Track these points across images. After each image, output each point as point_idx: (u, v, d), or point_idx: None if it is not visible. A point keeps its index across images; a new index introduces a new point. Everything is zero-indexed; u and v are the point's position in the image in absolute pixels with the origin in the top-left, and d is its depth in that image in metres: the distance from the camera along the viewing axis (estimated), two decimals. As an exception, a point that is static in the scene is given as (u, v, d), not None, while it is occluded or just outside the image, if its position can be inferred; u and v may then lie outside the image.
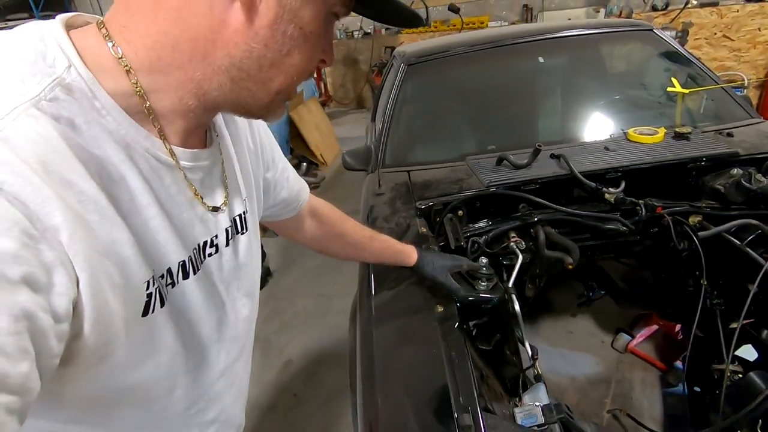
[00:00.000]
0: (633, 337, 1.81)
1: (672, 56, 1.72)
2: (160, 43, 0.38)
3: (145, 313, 0.41)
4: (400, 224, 1.20)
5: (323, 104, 6.32)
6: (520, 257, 1.18)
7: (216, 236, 0.51)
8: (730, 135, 1.36)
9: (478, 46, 1.77)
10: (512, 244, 1.22)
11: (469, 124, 1.68)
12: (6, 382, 0.28)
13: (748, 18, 4.36)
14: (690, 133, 1.33)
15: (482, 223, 1.27)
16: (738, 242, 1.13)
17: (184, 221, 0.46)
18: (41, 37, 0.36)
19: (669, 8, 4.68)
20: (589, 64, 1.76)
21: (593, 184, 1.20)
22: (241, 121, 0.59)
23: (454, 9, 5.61)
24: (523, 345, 1.12)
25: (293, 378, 1.94)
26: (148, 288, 0.41)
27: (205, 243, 0.50)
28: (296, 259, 2.90)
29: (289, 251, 2.96)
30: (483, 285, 0.99)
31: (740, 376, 1.15)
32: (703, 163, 1.22)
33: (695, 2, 4.55)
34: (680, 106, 1.55)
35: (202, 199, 0.48)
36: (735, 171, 1.18)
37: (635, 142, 1.36)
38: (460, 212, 1.26)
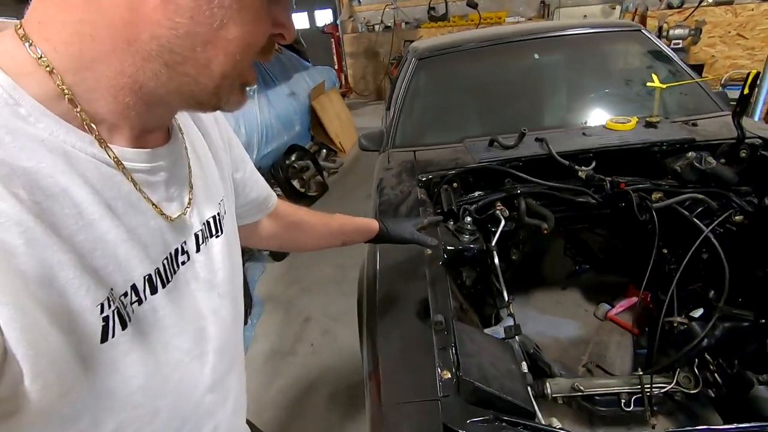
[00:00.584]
0: (613, 306, 2.03)
1: (657, 54, 1.91)
2: (77, 34, 0.34)
3: (103, 339, 0.37)
4: (404, 192, 1.45)
5: (343, 95, 6.58)
6: (503, 222, 1.42)
7: (185, 242, 0.48)
8: (694, 125, 1.56)
9: (482, 43, 2.00)
10: (497, 211, 1.46)
11: (470, 111, 1.92)
12: None
13: (763, 17, 4.42)
14: (658, 122, 1.54)
15: (473, 194, 1.51)
16: (687, 213, 1.34)
17: (149, 230, 0.42)
18: None
19: (684, 6, 4.76)
20: (581, 61, 1.96)
21: (567, 163, 1.43)
22: (207, 118, 0.57)
23: (472, 4, 5.79)
24: (501, 293, 1.36)
25: (311, 332, 2.23)
26: (102, 311, 0.36)
27: (176, 251, 0.46)
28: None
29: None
30: (466, 238, 1.24)
31: (684, 326, 1.37)
32: (663, 147, 1.43)
33: (710, 0, 4.62)
34: (658, 99, 1.75)
35: (164, 203, 0.45)
36: (690, 154, 1.39)
37: (611, 129, 1.57)
38: (455, 184, 1.51)
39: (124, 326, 0.39)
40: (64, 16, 0.34)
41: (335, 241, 0.90)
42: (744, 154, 1.42)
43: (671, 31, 4.53)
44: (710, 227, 1.27)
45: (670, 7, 4.86)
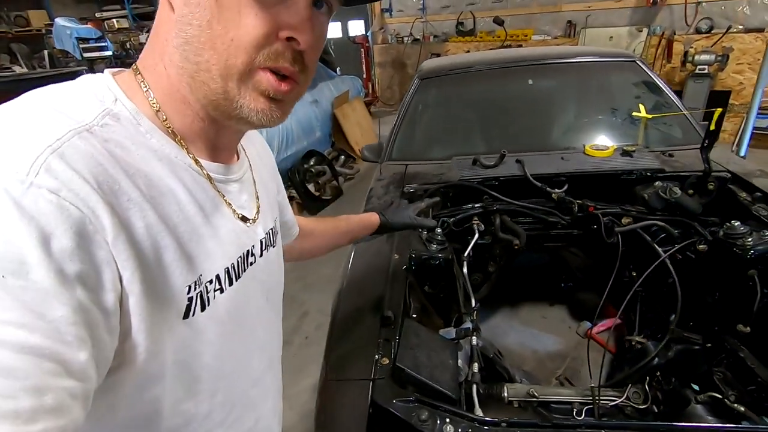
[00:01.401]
0: (594, 325, 2.09)
1: (650, 86, 1.99)
2: (155, 60, 0.44)
3: (186, 315, 0.43)
4: (387, 201, 1.59)
5: (369, 103, 6.78)
6: (477, 235, 1.54)
7: (253, 246, 0.55)
8: (671, 155, 1.64)
9: (482, 66, 2.13)
10: (474, 225, 1.58)
11: (463, 131, 2.05)
12: (68, 368, 0.32)
13: (795, 46, 4.33)
14: (634, 151, 1.62)
15: (453, 208, 1.64)
16: (648, 238, 1.43)
17: (228, 230, 0.49)
18: (94, 82, 0.42)
19: (713, 32, 4.71)
20: (574, 88, 2.06)
21: (539, 184, 1.54)
22: (260, 144, 0.66)
23: (498, 21, 5.90)
24: (469, 300, 1.47)
25: (307, 325, 2.40)
26: (189, 292, 0.43)
27: (247, 252, 0.53)
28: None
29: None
30: (434, 247, 1.38)
31: (640, 345, 1.45)
32: (633, 176, 1.52)
33: (740, 27, 4.56)
34: (643, 128, 1.83)
35: (238, 210, 0.52)
36: (657, 183, 1.48)
37: (589, 155, 1.67)
38: (437, 198, 1.64)
39: (203, 308, 0.45)
40: (152, 51, 0.44)
41: (344, 240, 1.01)
42: (712, 187, 1.49)
43: (696, 57, 4.50)
44: (668, 253, 1.35)
45: (698, 32, 4.81)
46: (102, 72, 0.44)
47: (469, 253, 1.51)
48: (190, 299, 0.43)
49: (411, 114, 2.10)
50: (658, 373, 1.37)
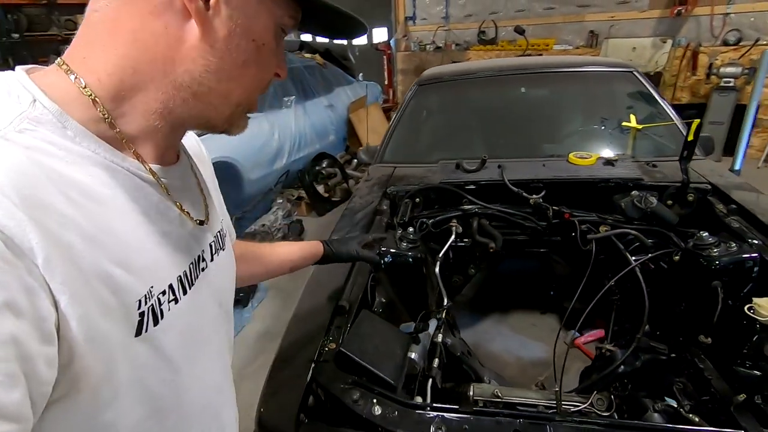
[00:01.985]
0: (582, 335, 2.08)
1: (645, 96, 1.98)
2: (120, 67, 0.40)
3: (138, 332, 0.40)
4: (370, 202, 1.66)
5: (389, 109, 6.88)
6: (453, 236, 1.58)
7: (203, 251, 0.53)
8: (654, 166, 1.63)
9: (480, 74, 2.17)
10: (452, 227, 1.62)
11: (453, 136, 2.09)
12: (2, 411, 0.29)
13: (828, 59, 4.13)
14: (617, 160, 1.63)
15: (433, 210, 1.69)
16: (621, 246, 1.43)
17: (178, 235, 0.47)
18: (3, 81, 0.38)
19: (741, 44, 4.56)
20: (567, 97, 2.07)
21: (516, 189, 1.57)
22: (192, 137, 0.62)
23: (519, 30, 5.89)
24: (441, 299, 1.51)
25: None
26: (139, 307, 0.40)
27: (198, 257, 0.51)
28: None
29: (327, 229, 3.53)
30: (404, 245, 1.43)
31: (609, 353, 1.45)
32: (610, 184, 1.53)
33: (770, 39, 4.40)
34: (632, 138, 1.83)
35: (188, 214, 0.49)
36: (634, 193, 1.48)
37: (571, 163, 1.68)
38: (417, 199, 1.69)
39: (156, 322, 0.42)
40: (108, 52, 0.40)
41: (284, 269, 0.93)
42: (691, 198, 1.48)
43: (722, 69, 4.37)
44: (637, 262, 1.35)
45: (725, 44, 4.67)
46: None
47: (445, 254, 1.55)
48: (142, 314, 0.40)
49: (406, 119, 2.17)
50: (625, 381, 1.37)
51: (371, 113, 5.47)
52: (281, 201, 3.54)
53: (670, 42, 4.90)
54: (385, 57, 7.51)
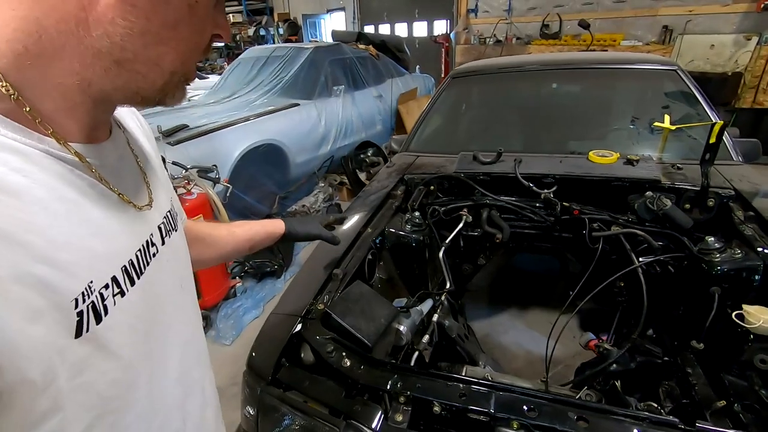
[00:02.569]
0: (598, 337, 2.04)
1: (686, 96, 1.89)
2: (21, 30, 0.34)
3: (78, 333, 0.36)
4: (386, 186, 1.75)
5: (442, 103, 6.88)
6: (461, 224, 1.64)
7: (152, 235, 0.48)
8: (678, 168, 1.58)
9: (514, 68, 2.18)
10: (462, 215, 1.68)
11: (479, 129, 2.12)
12: None
13: None
14: (638, 160, 1.59)
15: (446, 198, 1.75)
16: (628, 246, 1.42)
17: (118, 221, 0.43)
18: None
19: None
20: (600, 94, 2.01)
21: (526, 183, 1.59)
22: (131, 120, 0.55)
23: (584, 25, 5.63)
24: (445, 284, 1.58)
25: (325, 295, 2.64)
26: (76, 306, 0.36)
27: (146, 243, 0.47)
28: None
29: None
30: (408, 227, 1.51)
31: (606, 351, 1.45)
32: (624, 184, 1.50)
33: None
34: (664, 140, 1.77)
35: (125, 196, 0.44)
36: (648, 194, 1.45)
37: (591, 161, 1.67)
38: (432, 187, 1.77)
39: (99, 320, 0.38)
40: (5, 13, 0.33)
41: (243, 248, 0.90)
42: (711, 203, 1.43)
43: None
44: (640, 263, 1.34)
45: (822, 43, 4.17)
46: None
47: (452, 240, 1.61)
48: (80, 313, 0.36)
49: (436, 110, 2.23)
50: (617, 380, 1.37)
51: (422, 105, 5.52)
52: (323, 185, 3.74)
53: (755, 39, 4.46)
54: (443, 50, 7.48)
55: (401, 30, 8.76)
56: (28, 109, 0.36)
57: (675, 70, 1.95)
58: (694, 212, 1.47)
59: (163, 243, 0.51)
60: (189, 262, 0.61)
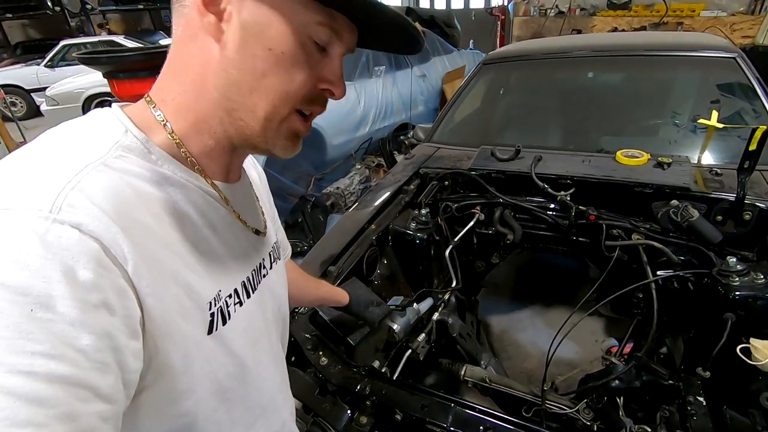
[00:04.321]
0: (619, 344, 1.94)
1: (744, 89, 1.68)
2: (180, 93, 0.45)
3: (209, 331, 0.46)
4: (400, 180, 1.75)
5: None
6: (472, 222, 1.61)
7: (264, 259, 0.58)
8: (717, 174, 1.42)
9: (547, 55, 2.04)
10: (474, 213, 1.65)
11: (504, 121, 2.02)
12: (98, 392, 0.34)
13: None
14: (670, 163, 1.46)
15: (460, 194, 1.72)
16: (645, 257, 1.33)
17: (241, 244, 0.53)
18: (104, 116, 0.45)
19: None
20: (642, 85, 1.82)
21: (541, 184, 1.52)
22: (250, 161, 0.66)
23: (657, -7, 5.05)
24: (453, 280, 1.57)
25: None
26: (210, 308, 0.46)
27: (259, 265, 0.57)
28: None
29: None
30: (413, 225, 1.51)
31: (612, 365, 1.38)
32: (647, 191, 1.39)
33: None
34: (708, 139, 1.59)
35: (247, 225, 0.55)
36: (673, 202, 1.34)
37: (618, 161, 1.55)
38: (446, 182, 1.74)
39: (224, 322, 0.47)
40: (173, 82, 0.46)
41: (312, 303, 1.06)
42: (748, 216, 1.29)
43: None
44: (654, 278, 1.26)
45: None
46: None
47: (462, 238, 1.59)
48: (212, 315, 0.46)
49: (463, 99, 2.16)
50: (620, 397, 1.32)
51: (469, 84, 5.33)
52: (359, 167, 3.77)
53: None
54: (499, 22, 7.08)
55: (457, 1, 8.39)
56: (183, 151, 0.46)
57: (734, 58, 1.72)
58: (728, 225, 1.33)
59: (271, 267, 0.61)
60: (286, 289, 0.70)
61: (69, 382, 0.33)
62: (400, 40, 0.51)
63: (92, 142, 0.41)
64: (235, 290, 0.50)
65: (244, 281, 0.52)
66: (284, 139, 0.49)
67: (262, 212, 0.62)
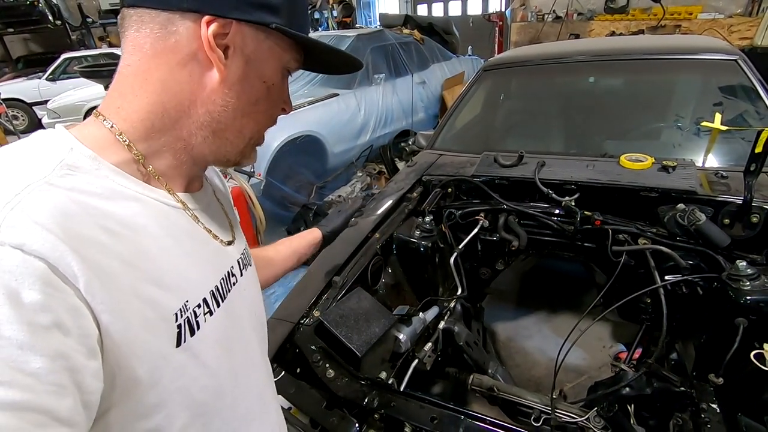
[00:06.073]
0: (627, 350, 1.91)
1: (747, 91, 1.67)
2: (151, 112, 0.46)
3: (178, 343, 0.45)
4: (403, 188, 1.74)
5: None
6: (476, 229, 1.60)
7: (232, 267, 0.58)
8: (723, 177, 1.41)
9: (551, 58, 2.04)
10: (478, 220, 1.63)
11: (506, 128, 2.01)
12: (55, 416, 0.33)
13: None
14: (675, 166, 1.45)
15: (463, 201, 1.71)
16: (653, 262, 1.31)
17: (207, 253, 0.53)
18: (47, 135, 0.45)
19: None
20: (643, 89, 1.82)
21: (545, 190, 1.51)
22: (215, 177, 0.68)
23: (654, -4, 5.08)
24: (458, 288, 1.55)
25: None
26: (177, 320, 0.45)
27: (228, 273, 0.56)
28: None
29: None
30: (417, 233, 1.50)
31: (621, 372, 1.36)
32: (652, 195, 1.38)
33: None
34: (712, 141, 1.59)
35: (215, 235, 0.55)
36: (679, 206, 1.33)
37: (622, 166, 1.54)
38: (449, 189, 1.73)
39: (192, 333, 0.47)
40: (140, 100, 0.46)
41: (291, 262, 0.98)
42: (756, 219, 1.27)
43: None
44: (662, 284, 1.24)
45: None
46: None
47: (466, 246, 1.58)
48: (180, 326, 0.45)
49: (464, 105, 2.16)
50: (630, 405, 1.30)
51: (468, 90, 5.34)
52: (361, 174, 3.77)
53: None
54: (496, 28, 7.12)
55: (455, 8, 8.44)
56: (151, 168, 0.48)
57: (735, 60, 1.72)
58: (736, 228, 1.32)
59: (242, 275, 0.61)
60: (260, 294, 0.70)
61: (22, 408, 0.32)
62: (342, 61, 0.59)
63: (34, 162, 0.41)
64: (204, 300, 0.49)
65: (212, 290, 0.51)
66: (252, 153, 0.56)
67: (230, 219, 0.63)
